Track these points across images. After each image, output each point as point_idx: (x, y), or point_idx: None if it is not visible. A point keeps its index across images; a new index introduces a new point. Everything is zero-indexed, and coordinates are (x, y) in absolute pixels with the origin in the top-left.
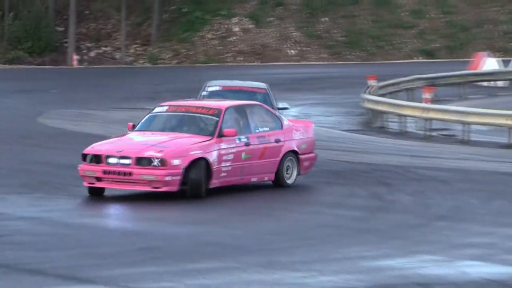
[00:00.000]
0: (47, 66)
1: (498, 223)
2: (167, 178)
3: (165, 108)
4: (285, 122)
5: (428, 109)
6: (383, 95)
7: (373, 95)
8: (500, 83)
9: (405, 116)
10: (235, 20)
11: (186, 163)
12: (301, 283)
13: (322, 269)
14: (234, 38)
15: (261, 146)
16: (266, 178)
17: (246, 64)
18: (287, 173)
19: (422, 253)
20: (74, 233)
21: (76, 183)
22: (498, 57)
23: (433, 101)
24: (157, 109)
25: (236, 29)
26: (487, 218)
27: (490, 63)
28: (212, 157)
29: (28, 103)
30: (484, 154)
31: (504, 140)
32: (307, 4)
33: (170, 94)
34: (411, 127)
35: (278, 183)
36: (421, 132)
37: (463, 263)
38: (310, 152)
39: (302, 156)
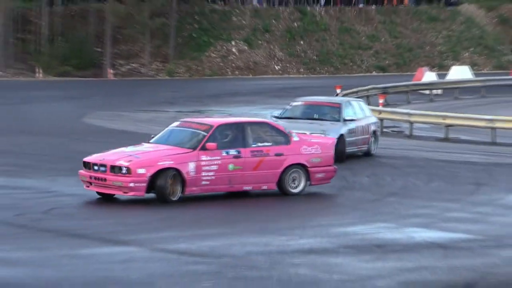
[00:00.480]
0: (89, 79)
1: (436, 199)
2: (131, 185)
3: (177, 123)
4: (295, 138)
5: (381, 111)
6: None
7: None
8: (436, 91)
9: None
10: (233, 43)
11: (152, 172)
12: (285, 244)
13: (301, 234)
14: (232, 57)
15: (256, 159)
16: (264, 187)
17: (241, 76)
18: (293, 183)
19: (377, 221)
20: (110, 206)
21: None
22: (435, 71)
23: (385, 105)
24: (173, 124)
25: (234, 50)
26: (427, 195)
27: (429, 76)
28: (187, 167)
29: (74, 107)
30: (425, 146)
31: (441, 135)
32: (288, 31)
33: (183, 99)
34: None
35: (283, 192)
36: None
37: (410, 229)
38: (326, 166)
39: (312, 169)
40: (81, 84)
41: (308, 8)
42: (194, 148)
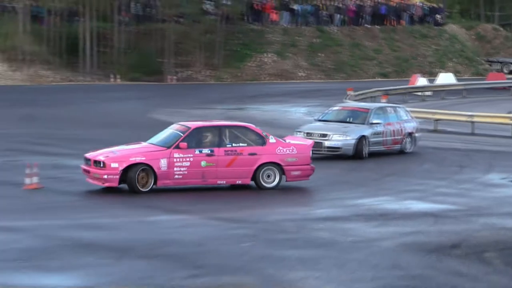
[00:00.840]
0: (153, 83)
1: (428, 178)
2: (105, 176)
3: (173, 125)
4: (271, 140)
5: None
6: (357, 100)
7: (350, 100)
8: (427, 93)
9: None
10: (267, 55)
11: (123, 166)
12: (309, 213)
13: (321, 205)
14: (266, 66)
15: (229, 157)
16: (239, 182)
17: (273, 81)
18: (268, 179)
19: (380, 195)
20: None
21: None
22: (426, 77)
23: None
24: (171, 126)
25: (267, 60)
26: (421, 175)
27: (421, 81)
28: (158, 163)
29: (141, 105)
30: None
31: (431, 127)
32: (310, 45)
33: (228, 99)
34: None
35: (257, 186)
36: None
37: (407, 202)
38: (302, 165)
39: (287, 167)
40: (147, 88)
41: (326, 28)
42: (168, 147)
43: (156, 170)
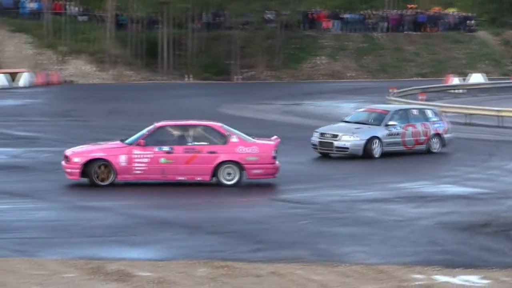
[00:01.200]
0: (221, 82)
1: (460, 165)
2: (68, 170)
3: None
4: (233, 140)
5: (422, 105)
6: (399, 97)
7: (392, 97)
8: (460, 91)
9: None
10: (320, 57)
11: (84, 161)
12: (357, 195)
13: (367, 189)
14: (320, 67)
15: (188, 155)
16: (199, 178)
17: (326, 80)
18: (228, 176)
19: (419, 180)
20: None
21: None
22: (459, 77)
23: (425, 100)
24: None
25: (320, 62)
26: (454, 162)
27: (454, 80)
28: (118, 158)
29: (212, 101)
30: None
31: (462, 121)
32: (357, 49)
33: (286, 96)
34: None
35: (218, 183)
36: None
37: (442, 186)
38: (264, 163)
39: (248, 166)
40: (216, 86)
41: (371, 34)
42: (129, 144)
43: (115, 165)
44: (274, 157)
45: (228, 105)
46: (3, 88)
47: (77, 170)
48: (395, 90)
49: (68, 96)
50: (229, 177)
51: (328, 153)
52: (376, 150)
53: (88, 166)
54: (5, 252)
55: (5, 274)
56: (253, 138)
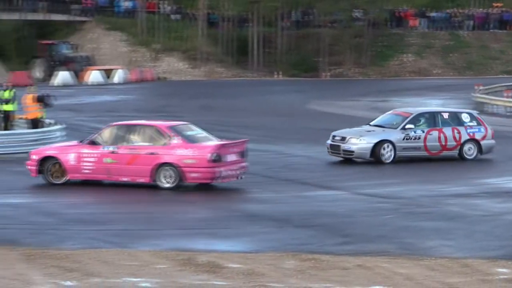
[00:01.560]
0: (309, 79)
1: None
2: (28, 167)
3: None
4: (174, 141)
5: (510, 102)
6: (484, 94)
7: (478, 94)
8: None
9: (496, 104)
10: (406, 55)
11: (39, 158)
12: (442, 190)
13: (453, 184)
14: (407, 64)
15: (130, 155)
16: (141, 180)
17: (412, 77)
18: (167, 179)
19: (504, 176)
20: (328, 162)
21: (318, 137)
22: None
23: (511, 97)
24: None
25: (407, 59)
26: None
27: None
28: (67, 156)
29: (300, 98)
30: None
31: None
32: (443, 47)
33: (373, 93)
34: (499, 110)
35: (156, 185)
36: (505, 113)
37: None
38: (201, 167)
39: (185, 169)
40: (304, 83)
41: (457, 32)
42: (81, 142)
43: (64, 164)
44: (213, 160)
45: (317, 102)
46: (99, 84)
47: (34, 167)
48: (481, 87)
49: (160, 92)
50: (165, 180)
51: (338, 156)
52: (387, 154)
53: (43, 164)
54: (99, 244)
55: (99, 264)
56: (217, 140)
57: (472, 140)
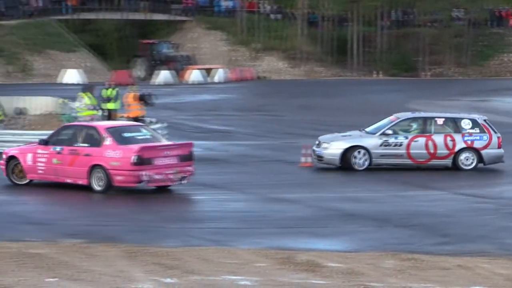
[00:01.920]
0: (409, 78)
1: None
2: (1, 167)
3: None
4: (106, 142)
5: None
6: None
7: None
8: None
9: None
10: (507, 54)
11: (5, 158)
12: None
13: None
14: (508, 64)
15: (71, 156)
16: (80, 182)
17: None
18: (97, 182)
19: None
20: None
21: None
22: None
23: None
24: None
25: (508, 59)
26: None
27: None
28: (24, 156)
29: (399, 97)
30: None
31: None
32: None
33: (473, 92)
34: None
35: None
36: None
37: None
38: (125, 170)
39: (111, 171)
40: (404, 82)
41: None
42: (39, 143)
43: (22, 164)
44: (136, 163)
45: (416, 101)
46: (199, 84)
47: (3, 167)
48: None
49: (260, 91)
50: (100, 183)
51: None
52: (360, 161)
53: (9, 164)
54: (200, 241)
55: (200, 262)
56: (167, 141)
57: (470, 149)
